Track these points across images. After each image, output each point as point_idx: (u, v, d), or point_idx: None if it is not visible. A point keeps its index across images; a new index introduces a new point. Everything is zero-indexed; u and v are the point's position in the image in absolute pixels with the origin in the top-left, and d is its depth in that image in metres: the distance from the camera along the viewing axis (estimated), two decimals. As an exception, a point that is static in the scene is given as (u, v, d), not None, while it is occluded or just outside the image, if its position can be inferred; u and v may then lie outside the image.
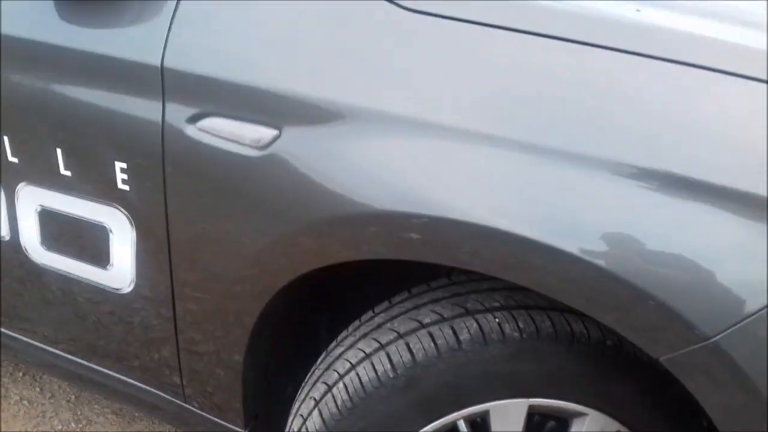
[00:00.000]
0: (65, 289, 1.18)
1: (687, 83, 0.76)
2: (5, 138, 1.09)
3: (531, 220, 0.76)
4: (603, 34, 0.80)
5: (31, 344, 1.32)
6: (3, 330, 1.35)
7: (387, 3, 0.85)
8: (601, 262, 0.74)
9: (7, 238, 1.19)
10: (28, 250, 1.18)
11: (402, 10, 0.85)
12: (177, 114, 0.94)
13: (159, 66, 0.93)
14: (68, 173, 1.06)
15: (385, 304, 0.99)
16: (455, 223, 0.79)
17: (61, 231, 1.13)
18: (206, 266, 1.00)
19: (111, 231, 1.06)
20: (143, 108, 0.96)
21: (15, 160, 1.10)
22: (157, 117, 0.95)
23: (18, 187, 1.13)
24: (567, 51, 0.79)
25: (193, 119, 0.93)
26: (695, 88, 0.76)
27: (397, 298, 0.99)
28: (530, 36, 0.81)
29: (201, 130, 0.93)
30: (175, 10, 0.94)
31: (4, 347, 1.38)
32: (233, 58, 0.91)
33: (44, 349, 1.31)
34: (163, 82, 0.94)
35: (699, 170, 0.72)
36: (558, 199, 0.76)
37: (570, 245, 0.74)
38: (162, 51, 0.93)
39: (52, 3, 1.01)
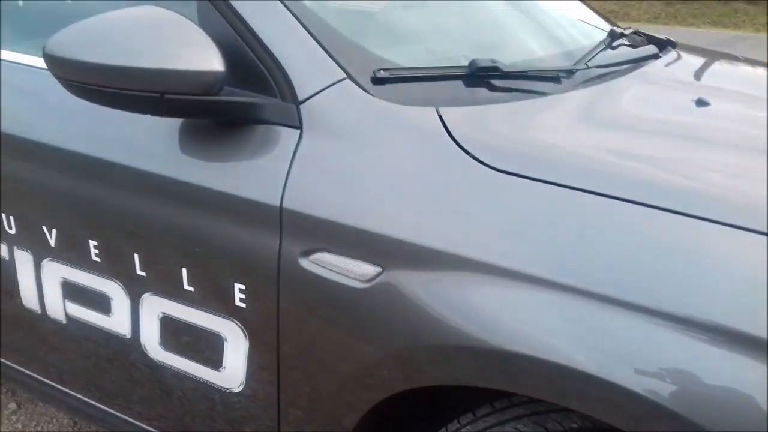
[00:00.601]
0: (179, 385, 1.33)
1: (738, 245, 0.87)
2: (136, 255, 1.26)
3: (607, 361, 0.88)
4: (671, 200, 0.92)
5: (142, 428, 1.48)
6: (116, 413, 1.51)
7: (480, 165, 0.99)
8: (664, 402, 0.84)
9: (128, 336, 1.35)
10: (147, 348, 1.34)
11: (494, 171, 0.99)
12: (292, 247, 1.09)
13: (278, 207, 1.08)
14: (191, 289, 1.22)
15: (470, 416, 1.11)
16: (547, 364, 0.90)
17: (180, 335, 1.28)
18: (310, 377, 1.14)
19: (226, 339, 1.21)
20: (262, 239, 1.11)
21: (143, 273, 1.27)
22: (274, 248, 1.10)
23: (144, 296, 1.29)
24: (633, 213, 0.92)
25: (306, 253, 1.08)
26: (739, 248, 0.87)
27: (481, 411, 1.10)
28: (609, 199, 0.93)
29: (312, 262, 1.07)
30: (295, 151, 1.10)
31: (118, 427, 1.54)
32: (344, 201, 1.05)
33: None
34: (281, 221, 1.09)
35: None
36: (634, 348, 0.87)
37: (638, 386, 0.86)
38: (281, 193, 1.08)
39: (176, 138, 1.18)
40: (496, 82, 1.21)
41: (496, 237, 0.95)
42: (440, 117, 1.06)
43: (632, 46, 1.65)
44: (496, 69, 1.20)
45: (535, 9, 1.74)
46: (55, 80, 1.10)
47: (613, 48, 1.53)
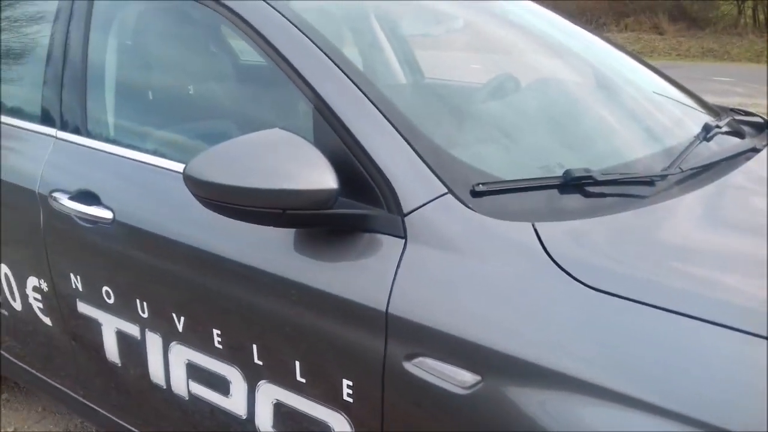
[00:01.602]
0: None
1: None
2: (254, 346, 1.38)
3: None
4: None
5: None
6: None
7: (577, 283, 1.05)
8: None
9: (244, 417, 1.47)
10: (261, 429, 1.45)
11: (591, 290, 1.04)
12: (396, 350, 1.17)
13: (384, 312, 1.18)
14: (303, 380, 1.32)
15: None
16: None
17: (291, 421, 1.38)
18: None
19: (332, 428, 1.30)
20: (368, 340, 1.20)
21: (260, 362, 1.39)
22: (380, 350, 1.19)
23: (260, 382, 1.41)
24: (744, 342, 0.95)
25: (409, 357, 1.16)
26: None
27: None
28: (716, 327, 0.97)
29: (415, 366, 1.15)
30: (400, 260, 1.19)
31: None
32: (446, 310, 1.13)
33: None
34: (387, 324, 1.18)
35: None
36: None
37: None
38: (387, 298, 1.18)
39: (291, 242, 1.30)
40: (591, 189, 1.27)
41: (595, 356, 1.00)
42: (536, 232, 1.13)
43: (731, 132, 1.65)
44: (590, 178, 1.26)
45: (628, 101, 1.79)
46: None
47: (709, 139, 1.55)
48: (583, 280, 1.05)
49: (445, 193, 1.20)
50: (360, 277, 1.23)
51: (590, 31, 2.11)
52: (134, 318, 1.61)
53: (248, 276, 1.36)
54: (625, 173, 1.32)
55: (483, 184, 1.21)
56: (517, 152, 1.42)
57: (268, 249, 1.34)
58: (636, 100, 1.82)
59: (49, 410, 2.52)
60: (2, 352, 2.21)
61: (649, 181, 1.32)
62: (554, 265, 1.08)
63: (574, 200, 1.25)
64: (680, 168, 1.36)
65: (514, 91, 1.84)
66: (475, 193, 1.21)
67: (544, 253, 1.10)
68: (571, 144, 1.51)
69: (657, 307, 1.00)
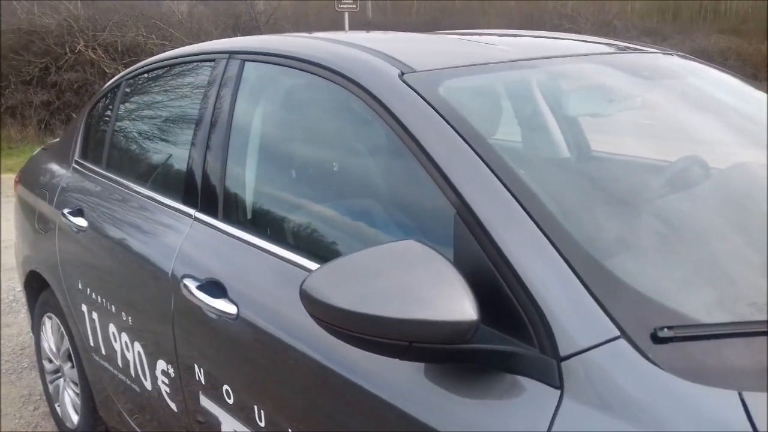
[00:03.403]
0: None
1: None
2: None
3: None
4: None
5: None
6: None
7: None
8: None
9: None
10: None
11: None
12: None
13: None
14: None
15: None
16: None
17: None
18: None
19: None
20: None
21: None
22: None
23: None
24: None
25: None
26: None
27: None
28: None
29: None
30: (554, 416, 0.93)
31: None
32: None
33: None
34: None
35: None
36: None
37: None
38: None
39: (419, 373, 1.09)
40: (820, 339, 0.94)
41: None
42: (745, 407, 0.83)
43: None
44: (818, 325, 0.94)
45: None
46: None
47: None
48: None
49: (618, 337, 0.94)
50: (500, 429, 0.99)
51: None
52: (251, 424, 1.47)
53: (369, 402, 1.16)
54: None
55: (669, 328, 0.93)
56: (715, 279, 1.11)
57: (395, 374, 1.14)
58: None
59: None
60: (130, 421, 2.17)
61: None
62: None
63: (797, 356, 0.93)
64: None
65: (702, 181, 1.52)
66: (658, 339, 0.93)
67: (758, 441, 0.80)
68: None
69: None
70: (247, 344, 1.46)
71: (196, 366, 1.64)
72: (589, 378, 0.93)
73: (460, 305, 0.97)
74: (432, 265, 1.01)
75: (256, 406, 1.44)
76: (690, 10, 20.40)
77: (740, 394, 0.85)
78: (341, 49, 1.53)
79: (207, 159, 1.74)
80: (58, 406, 2.76)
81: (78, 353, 2.45)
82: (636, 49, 1.84)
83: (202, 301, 1.55)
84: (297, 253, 1.43)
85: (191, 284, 1.60)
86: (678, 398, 0.87)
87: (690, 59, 1.90)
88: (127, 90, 2.35)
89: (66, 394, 2.69)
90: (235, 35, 12.21)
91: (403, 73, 1.36)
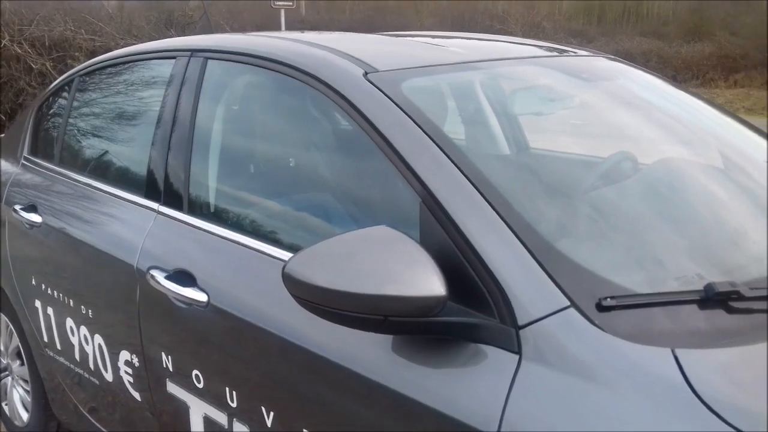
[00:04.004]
0: None
1: None
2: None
3: None
4: None
5: None
6: None
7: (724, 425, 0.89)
8: None
9: None
10: None
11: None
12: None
13: (494, 438, 1.04)
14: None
15: None
16: None
17: None
18: None
19: None
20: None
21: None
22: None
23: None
24: None
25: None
26: None
27: None
28: None
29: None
30: (514, 378, 1.05)
31: None
32: None
33: None
34: (497, 452, 1.04)
35: None
36: None
37: None
38: (498, 422, 1.04)
39: (389, 346, 1.19)
40: (737, 305, 1.10)
41: None
42: (678, 363, 0.97)
43: None
44: (735, 293, 1.09)
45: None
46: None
47: None
48: (735, 424, 0.89)
49: (568, 306, 1.07)
50: (466, 393, 1.10)
51: (701, 96, 1.94)
52: (222, 405, 1.54)
53: (343, 378, 1.26)
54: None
55: (612, 297, 1.07)
56: (647, 257, 1.26)
57: (366, 350, 1.24)
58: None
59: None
60: (90, 419, 2.19)
61: (806, 297, 1.14)
62: (700, 403, 0.92)
63: (719, 320, 1.08)
64: None
65: (633, 174, 1.68)
66: (602, 308, 1.06)
67: (689, 390, 0.94)
68: (708, 247, 1.33)
69: None
70: (219, 330, 1.53)
71: (163, 354, 1.69)
72: (544, 342, 1.05)
73: (429, 282, 1.08)
74: (403, 247, 1.12)
75: (227, 388, 1.52)
76: (614, 12, 21.25)
77: (673, 351, 0.99)
78: (306, 49, 1.61)
79: (170, 155, 1.80)
80: (6, 404, 2.73)
81: (29, 350, 2.44)
82: (573, 53, 2.00)
83: (170, 290, 1.61)
84: (265, 242, 1.51)
85: (158, 275, 1.66)
86: (620, 355, 1.00)
87: (618, 61, 2.08)
88: (82, 86, 2.36)
89: (15, 392, 2.66)
90: (168, 32, 12.02)
91: (367, 73, 1.46)
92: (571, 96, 1.82)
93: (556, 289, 1.09)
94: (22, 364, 2.58)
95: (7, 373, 2.72)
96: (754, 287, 1.11)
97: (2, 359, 2.73)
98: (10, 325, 2.58)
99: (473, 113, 1.82)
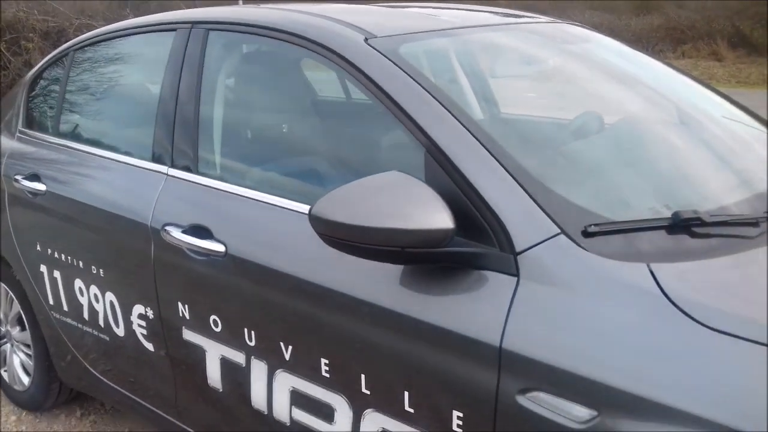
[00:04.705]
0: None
1: None
2: (362, 376, 1.44)
3: None
4: None
5: None
6: None
7: (695, 323, 1.08)
8: None
9: (347, 441, 1.53)
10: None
11: (708, 330, 1.07)
12: (509, 384, 1.21)
13: (497, 347, 1.22)
14: (411, 410, 1.37)
15: None
16: None
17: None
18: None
19: (441, 459, 1.35)
20: (480, 374, 1.25)
21: (367, 392, 1.45)
22: (492, 383, 1.23)
23: (366, 411, 1.46)
24: None
25: (523, 391, 1.20)
26: None
27: None
28: None
29: (529, 400, 1.19)
30: (513, 297, 1.24)
31: None
32: (561, 346, 1.16)
33: None
34: (500, 359, 1.22)
35: None
36: None
37: None
38: (501, 334, 1.22)
39: (400, 276, 1.36)
40: (699, 230, 1.30)
41: (715, 395, 1.03)
42: (652, 274, 1.16)
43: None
44: (698, 219, 1.29)
45: (718, 138, 1.81)
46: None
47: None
48: (700, 320, 1.09)
49: (558, 234, 1.25)
50: (472, 312, 1.28)
51: (661, 60, 2.15)
52: (240, 346, 1.69)
53: (358, 308, 1.43)
54: (733, 215, 1.34)
55: (595, 225, 1.26)
56: (623, 194, 1.46)
57: (377, 283, 1.41)
58: (725, 137, 1.84)
59: (136, 432, 2.63)
60: (98, 375, 2.32)
61: (754, 223, 1.35)
62: (672, 305, 1.12)
63: (683, 241, 1.28)
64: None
65: (600, 130, 1.88)
66: (588, 234, 1.25)
67: (662, 294, 1.13)
68: (668, 185, 1.54)
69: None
70: (237, 276, 1.68)
71: (179, 304, 1.83)
72: (539, 265, 1.24)
73: (440, 217, 1.25)
74: (414, 187, 1.28)
75: (246, 329, 1.67)
76: (564, -16, 21.51)
77: (648, 265, 1.18)
78: (308, 18, 1.75)
79: (176, 121, 1.92)
80: (5, 371, 2.83)
81: (32, 315, 2.54)
82: (550, 21, 2.18)
83: (187, 243, 1.75)
84: (277, 196, 1.66)
85: (174, 230, 1.80)
86: (605, 271, 1.19)
87: (586, 28, 2.27)
88: (79, 59, 2.45)
89: (14, 357, 2.76)
90: (124, 11, 11.84)
91: (367, 38, 1.62)
92: (545, 59, 2.00)
93: (548, 219, 1.27)
94: (23, 329, 2.68)
95: (5, 340, 2.81)
96: (713, 215, 1.32)
97: (0, 327, 2.82)
98: (10, 293, 2.67)
99: (459, 74, 1.99)
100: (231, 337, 1.72)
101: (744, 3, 15.54)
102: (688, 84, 2.06)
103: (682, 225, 1.29)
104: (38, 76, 2.64)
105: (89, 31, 2.29)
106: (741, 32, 15.81)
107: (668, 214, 1.31)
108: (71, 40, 2.39)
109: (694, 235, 1.29)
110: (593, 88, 2.07)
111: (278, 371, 1.63)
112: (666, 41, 16.53)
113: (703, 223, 1.29)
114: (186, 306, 1.82)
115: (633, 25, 17.24)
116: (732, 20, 16.09)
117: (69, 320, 2.32)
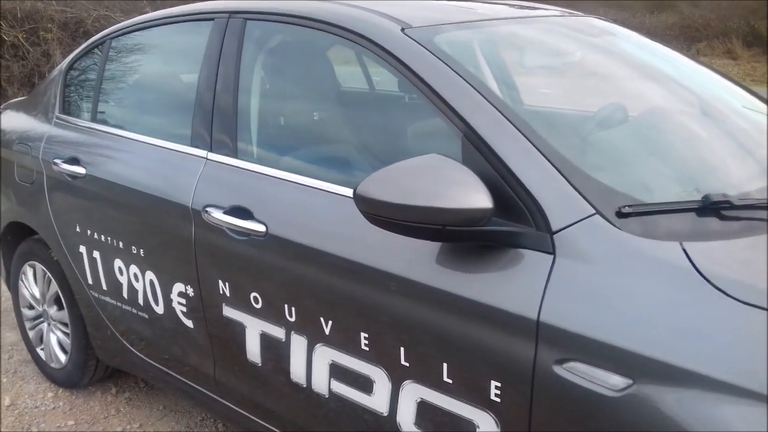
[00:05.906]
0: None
1: None
2: (402, 348, 1.52)
3: None
4: None
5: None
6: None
7: (727, 297, 1.15)
8: None
9: (385, 414, 1.60)
10: (401, 425, 1.58)
11: (739, 303, 1.14)
12: (547, 355, 1.29)
13: (535, 320, 1.29)
14: (450, 381, 1.45)
15: None
16: None
17: (434, 418, 1.51)
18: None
19: (478, 427, 1.42)
20: (518, 345, 1.32)
21: (406, 364, 1.52)
22: (530, 354, 1.30)
23: (405, 382, 1.54)
24: None
25: (560, 361, 1.27)
26: None
27: None
28: None
29: (566, 370, 1.26)
30: (550, 273, 1.30)
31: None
32: (597, 319, 1.23)
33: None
34: (538, 331, 1.29)
35: None
36: None
37: None
38: (538, 308, 1.29)
39: (438, 253, 1.43)
40: (727, 213, 1.36)
41: (746, 363, 1.10)
42: (685, 252, 1.23)
43: None
44: (728, 203, 1.35)
45: (739, 128, 1.87)
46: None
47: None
48: (732, 294, 1.15)
49: (593, 214, 1.32)
50: (510, 287, 1.35)
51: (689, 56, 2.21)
52: (281, 321, 1.77)
53: (397, 285, 1.50)
54: (760, 199, 1.40)
55: (629, 206, 1.32)
56: (655, 178, 1.53)
57: (415, 260, 1.48)
58: (746, 127, 1.90)
59: (169, 408, 2.72)
60: (136, 352, 2.41)
61: (780, 205, 1.41)
62: (705, 281, 1.18)
63: (713, 222, 1.35)
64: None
65: (624, 121, 1.94)
66: (622, 215, 1.32)
67: (695, 270, 1.20)
68: (693, 171, 1.60)
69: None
70: (278, 255, 1.75)
71: (220, 282, 1.91)
72: (575, 243, 1.31)
73: (479, 197, 1.32)
74: (454, 169, 1.35)
75: (286, 305, 1.75)
76: (578, -17, 21.48)
77: (681, 243, 1.25)
78: (345, 9, 1.82)
79: (215, 108, 1.99)
80: (41, 349, 2.92)
81: (71, 295, 2.63)
82: (576, 14, 2.25)
83: (229, 223, 1.83)
84: (317, 179, 1.74)
85: (215, 212, 1.87)
86: (639, 249, 1.26)
87: (610, 21, 2.33)
88: (116, 47, 2.53)
89: (52, 336, 2.85)
90: (141, 2, 11.93)
91: (403, 29, 1.68)
92: (572, 51, 2.07)
93: (584, 200, 1.33)
94: (60, 309, 2.77)
95: (42, 319, 2.91)
96: (742, 198, 1.38)
97: (38, 307, 2.91)
98: (48, 273, 2.76)
99: (491, 63, 2.06)
100: (271, 313, 1.80)
101: (759, 2, 15.49)
102: (710, 76, 2.12)
103: (712, 207, 1.35)
104: (74, 62, 2.72)
105: (107, 22, 2.37)
106: (756, 31, 15.77)
107: (695, 197, 1.37)
108: (89, 30, 2.48)
109: (722, 217, 1.36)
110: (620, 79, 2.13)
111: (318, 345, 1.70)
112: (680, 39, 16.50)
113: (732, 206, 1.36)
114: (226, 284, 1.90)
115: (647, 22, 17.23)
116: (747, 19, 16.05)
117: (108, 299, 2.41)
